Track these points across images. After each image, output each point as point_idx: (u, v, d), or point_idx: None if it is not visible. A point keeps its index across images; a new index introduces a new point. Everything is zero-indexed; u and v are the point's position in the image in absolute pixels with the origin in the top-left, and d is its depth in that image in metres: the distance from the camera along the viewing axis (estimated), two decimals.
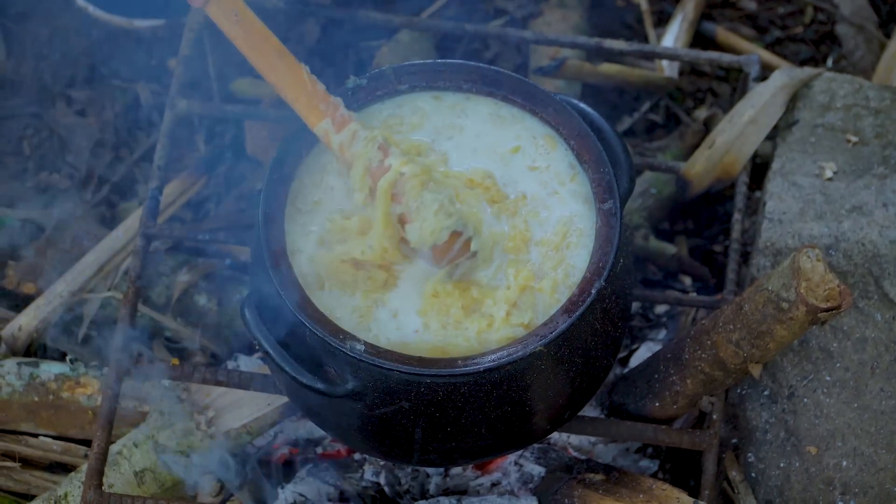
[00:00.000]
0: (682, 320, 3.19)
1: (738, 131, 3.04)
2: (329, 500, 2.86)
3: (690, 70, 3.64)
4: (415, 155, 2.50)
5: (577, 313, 2.35)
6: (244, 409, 2.89)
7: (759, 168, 3.24)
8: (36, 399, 2.97)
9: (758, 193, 3.32)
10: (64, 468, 3.01)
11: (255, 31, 2.39)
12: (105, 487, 2.78)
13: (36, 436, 3.00)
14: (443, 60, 2.58)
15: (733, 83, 3.62)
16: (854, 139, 2.99)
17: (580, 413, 2.68)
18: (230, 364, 3.05)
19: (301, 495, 2.85)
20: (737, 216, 2.97)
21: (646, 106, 3.57)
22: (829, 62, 3.64)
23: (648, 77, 3.49)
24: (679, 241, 3.37)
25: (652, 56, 3.23)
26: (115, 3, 3.42)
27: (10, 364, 2.99)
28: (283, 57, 2.40)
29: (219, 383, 2.76)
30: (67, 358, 3.03)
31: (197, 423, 2.87)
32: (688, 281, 3.32)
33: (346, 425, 2.46)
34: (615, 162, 2.50)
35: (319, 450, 2.94)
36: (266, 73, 2.41)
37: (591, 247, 2.43)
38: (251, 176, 3.33)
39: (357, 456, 2.92)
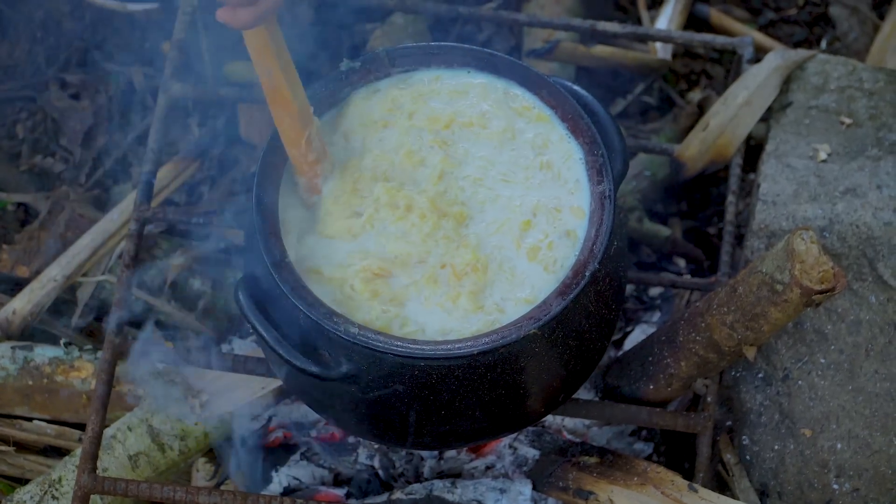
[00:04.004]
0: (677, 303, 3.20)
1: (731, 113, 3.04)
2: (323, 483, 2.86)
3: (684, 52, 3.63)
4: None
5: (571, 296, 2.35)
6: (238, 392, 2.89)
7: (752, 150, 3.24)
8: (30, 383, 2.97)
9: (752, 175, 3.32)
10: (58, 452, 3.01)
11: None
12: (99, 471, 2.78)
13: (30, 420, 3.00)
14: (437, 43, 2.58)
15: (727, 65, 3.61)
16: (848, 121, 2.99)
17: (574, 396, 2.68)
18: (224, 347, 3.05)
19: (295, 479, 2.86)
20: (731, 198, 2.97)
21: (639, 88, 3.57)
22: (823, 44, 3.64)
23: (642, 59, 3.48)
24: (673, 223, 3.37)
25: (645, 38, 3.22)
26: None
27: (5, 348, 2.99)
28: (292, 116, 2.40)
29: (213, 366, 2.76)
30: (62, 342, 3.02)
31: (191, 407, 2.87)
32: (682, 263, 3.32)
33: (340, 408, 2.46)
34: (609, 144, 2.50)
35: (314, 433, 2.94)
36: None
37: (584, 229, 2.43)
38: (245, 159, 3.33)
39: (351, 439, 2.92)
